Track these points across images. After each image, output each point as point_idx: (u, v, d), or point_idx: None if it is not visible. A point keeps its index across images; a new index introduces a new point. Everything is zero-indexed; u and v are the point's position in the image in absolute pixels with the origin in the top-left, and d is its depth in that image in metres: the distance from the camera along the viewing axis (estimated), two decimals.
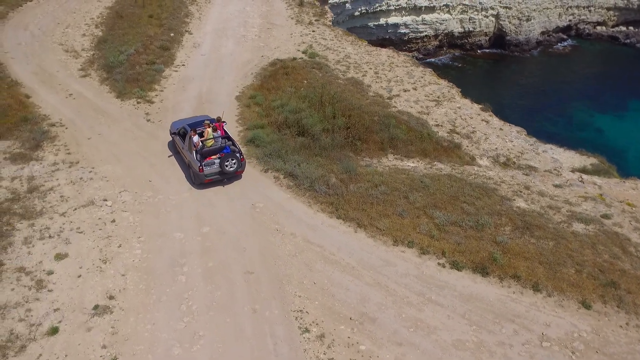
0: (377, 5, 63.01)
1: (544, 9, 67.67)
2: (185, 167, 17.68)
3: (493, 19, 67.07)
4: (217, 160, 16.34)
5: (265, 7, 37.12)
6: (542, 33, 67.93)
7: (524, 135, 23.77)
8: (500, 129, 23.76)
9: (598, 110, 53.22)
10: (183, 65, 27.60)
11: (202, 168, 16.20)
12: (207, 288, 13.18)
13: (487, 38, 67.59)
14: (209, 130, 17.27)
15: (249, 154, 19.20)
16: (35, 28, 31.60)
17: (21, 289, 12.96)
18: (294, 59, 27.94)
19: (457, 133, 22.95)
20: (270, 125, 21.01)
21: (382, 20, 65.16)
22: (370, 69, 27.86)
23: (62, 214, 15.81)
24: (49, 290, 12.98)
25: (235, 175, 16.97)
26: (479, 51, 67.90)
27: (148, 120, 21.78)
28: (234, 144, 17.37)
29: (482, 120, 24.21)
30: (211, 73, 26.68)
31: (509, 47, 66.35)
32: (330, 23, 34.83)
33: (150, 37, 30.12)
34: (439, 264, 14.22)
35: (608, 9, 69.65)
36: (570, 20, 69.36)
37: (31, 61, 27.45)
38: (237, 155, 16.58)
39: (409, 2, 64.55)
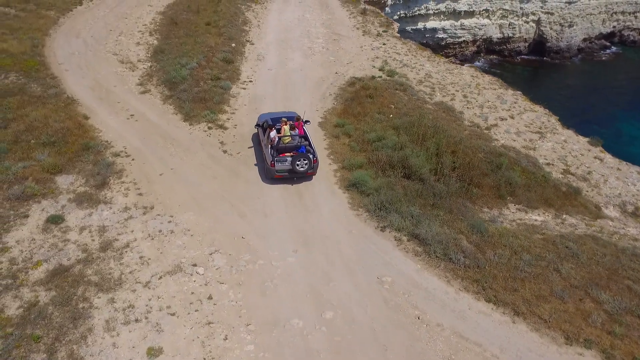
0: (415, 9, 59.52)
1: (587, 14, 63.67)
2: (262, 161, 16.92)
3: (534, 24, 63.35)
4: (290, 158, 15.58)
5: (325, 14, 33.28)
6: (584, 40, 64.03)
7: None
8: (618, 168, 19.92)
9: None
10: (250, 81, 23.93)
11: (274, 163, 15.55)
12: None
13: (527, 44, 63.94)
14: (286, 127, 16.42)
15: (354, 203, 15.55)
16: (88, 35, 28.04)
17: None
18: (373, 77, 24.16)
19: (572, 174, 19.14)
20: (371, 164, 17.30)
21: (421, 25, 61.58)
22: (457, 91, 24.03)
23: (146, 284, 12.28)
24: None
25: (306, 176, 16.10)
26: (517, 58, 64.14)
27: (225, 152, 18.16)
28: (310, 145, 16.41)
29: (595, 157, 20.37)
30: (283, 91, 22.99)
31: (549, 54, 62.60)
32: (399, 35, 30.94)
33: (211, 48, 26.44)
34: None
35: None
36: (614, 27, 65.44)
37: (86, 74, 23.91)
38: (311, 156, 15.70)
39: (449, 6, 61.39)
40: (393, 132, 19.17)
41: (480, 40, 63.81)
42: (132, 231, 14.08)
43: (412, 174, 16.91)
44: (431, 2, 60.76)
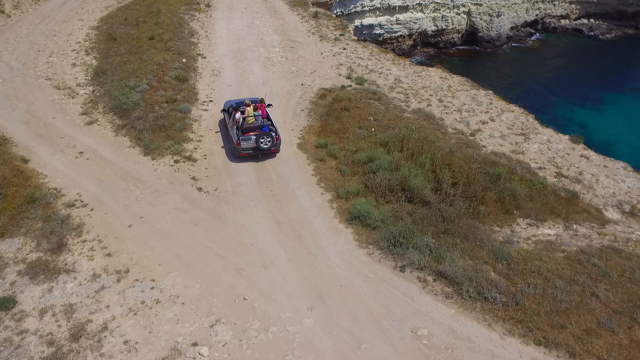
0: (352, 6, 58.88)
1: (512, 4, 65.99)
2: (229, 142, 17.65)
3: (465, 16, 64.89)
4: (254, 137, 16.46)
5: (275, 20, 30.88)
6: (512, 28, 66.43)
7: (631, 171, 19.30)
8: (605, 165, 19.16)
9: (577, 104, 51.17)
10: (210, 100, 21.25)
11: (240, 142, 16.41)
12: None
13: (460, 35, 65.38)
14: (250, 109, 17.12)
15: (362, 239, 13.56)
16: (12, 58, 24.18)
17: None
18: (343, 87, 22.17)
19: (565, 176, 18.14)
20: (369, 190, 15.34)
21: (357, 22, 60.86)
22: (431, 95, 22.54)
23: None
24: None
25: (270, 153, 17.03)
26: (452, 49, 65.30)
27: (200, 190, 15.57)
28: (272, 125, 17.31)
29: (581, 156, 19.52)
30: None
31: (481, 44, 64.42)
32: (356, 37, 29.13)
33: (159, 66, 23.42)
34: None
35: (570, 2, 69.04)
36: (536, 15, 68.20)
37: (17, 105, 20.34)
38: (273, 134, 16.60)
39: (383, 2, 61.58)
40: (382, 149, 17.32)
41: (416, 34, 64.57)
42: (108, 306, 11.37)
43: (414, 197, 15.14)
44: None
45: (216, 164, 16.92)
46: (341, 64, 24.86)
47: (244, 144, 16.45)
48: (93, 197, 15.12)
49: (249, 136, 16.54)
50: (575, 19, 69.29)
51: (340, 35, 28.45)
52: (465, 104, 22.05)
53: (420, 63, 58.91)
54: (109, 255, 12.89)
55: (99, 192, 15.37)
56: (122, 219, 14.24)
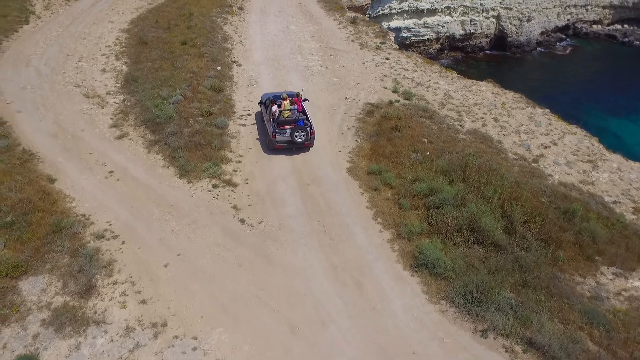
0: (379, 9, 56.76)
1: (543, 8, 63.45)
2: (265, 135, 17.36)
3: (494, 20, 62.49)
4: (289, 130, 16.26)
5: (312, 25, 28.86)
6: (542, 33, 63.86)
7: None
8: None
9: (612, 113, 48.46)
10: (248, 114, 19.37)
11: (275, 135, 16.27)
12: None
13: (488, 40, 62.91)
14: (286, 103, 16.97)
15: (431, 292, 11.57)
16: (41, 63, 22.56)
17: None
18: (391, 102, 20.12)
19: None
20: (432, 229, 13.34)
21: (385, 25, 58.65)
22: (485, 114, 20.38)
23: None
24: None
25: (304, 147, 16.78)
26: (480, 54, 62.79)
27: (243, 222, 13.69)
28: (308, 119, 17.01)
29: None
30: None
31: (510, 49, 61.93)
32: (398, 46, 27.01)
33: (193, 74, 21.60)
34: None
35: (604, 7, 66.08)
36: (568, 20, 65.47)
37: (45, 115, 18.70)
38: (308, 129, 16.39)
39: (411, 5, 59.43)
40: (443, 179, 15.25)
41: (444, 37, 62.44)
42: None
43: (484, 239, 13.09)
44: (394, 1, 58.40)
45: (259, 190, 15.02)
46: (385, 76, 22.77)
47: (278, 137, 16.27)
48: (124, 227, 13.34)
49: (284, 129, 16.32)
50: (608, 25, 66.47)
51: (381, 43, 26.34)
52: (523, 124, 19.85)
53: (447, 67, 56.72)
54: (143, 302, 11.08)
55: (131, 220, 13.58)
56: (157, 255, 12.43)
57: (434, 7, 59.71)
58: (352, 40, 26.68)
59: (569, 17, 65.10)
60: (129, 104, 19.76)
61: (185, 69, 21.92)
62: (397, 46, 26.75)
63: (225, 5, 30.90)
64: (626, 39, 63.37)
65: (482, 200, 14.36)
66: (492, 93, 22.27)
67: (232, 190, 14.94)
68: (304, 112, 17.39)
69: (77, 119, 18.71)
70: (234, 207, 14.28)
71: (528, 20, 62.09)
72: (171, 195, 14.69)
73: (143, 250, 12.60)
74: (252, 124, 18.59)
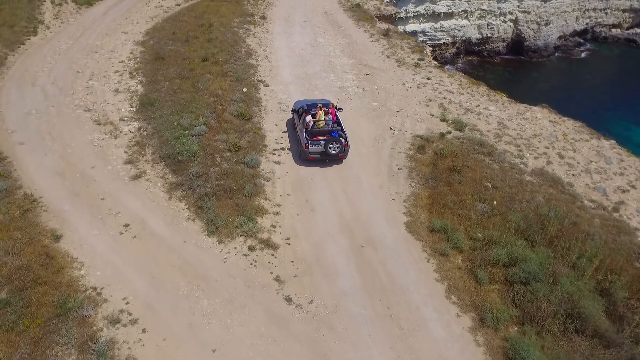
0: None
1: (562, 12, 61.02)
2: (297, 143, 16.31)
3: (511, 24, 60.06)
4: (323, 141, 15.25)
5: (341, 37, 25.83)
6: (560, 37, 61.42)
7: None
8: None
9: (635, 122, 45.64)
10: (282, 148, 16.49)
11: (308, 145, 15.25)
12: None
13: (505, 44, 60.55)
14: (321, 113, 16.04)
15: None
16: (48, 81, 19.72)
17: None
18: (442, 135, 17.21)
19: None
20: (521, 314, 10.50)
21: (401, 28, 55.79)
22: (547, 148, 17.44)
23: None
24: None
25: (337, 159, 15.65)
26: (496, 58, 60.21)
27: (290, 302, 10.87)
28: (342, 130, 15.92)
29: None
30: (330, 165, 15.69)
31: (527, 53, 59.53)
32: (436, 62, 23.98)
33: (217, 98, 18.69)
34: None
35: (624, 10, 63.59)
36: (587, 24, 63.08)
37: (50, 147, 15.89)
38: (342, 140, 15.32)
39: (428, 8, 57.04)
40: (521, 241, 12.34)
41: (460, 41, 60.10)
42: None
43: (586, 327, 10.23)
44: (410, 4, 56.01)
45: (304, 254, 12.17)
46: (430, 100, 19.80)
47: (312, 148, 15.31)
48: (145, 307, 10.54)
49: (318, 140, 15.35)
50: (628, 28, 64.11)
51: (419, 59, 23.32)
52: (592, 162, 16.91)
53: (463, 71, 53.69)
54: None
55: (153, 297, 10.77)
56: (187, 351, 9.61)
57: (450, 11, 57.76)
58: (388, 56, 23.67)
59: (587, 21, 62.75)
60: (145, 133, 16.90)
61: (207, 91, 19.00)
62: (436, 63, 23.70)
63: (247, 14, 27.89)
64: None
65: (574, 273, 11.47)
66: (550, 121, 19.29)
67: (272, 255, 12.09)
68: (338, 123, 16.19)
69: (87, 153, 15.87)
70: (277, 278, 11.43)
71: (546, 24, 59.69)
72: (199, 261, 11.86)
73: (169, 342, 9.80)
74: (287, 162, 15.70)
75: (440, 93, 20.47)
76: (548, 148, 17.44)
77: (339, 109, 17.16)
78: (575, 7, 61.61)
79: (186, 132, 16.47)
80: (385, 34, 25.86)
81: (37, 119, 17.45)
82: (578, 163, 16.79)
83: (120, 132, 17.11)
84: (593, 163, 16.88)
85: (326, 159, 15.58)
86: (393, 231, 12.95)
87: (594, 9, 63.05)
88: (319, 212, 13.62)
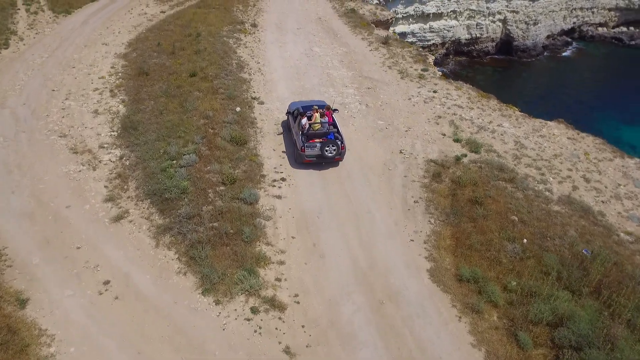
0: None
1: (550, 12, 60.32)
2: (292, 146, 15.49)
3: (500, 24, 59.03)
4: (319, 144, 14.58)
5: (338, 46, 23.75)
6: (548, 37, 60.90)
7: None
8: None
9: (624, 121, 44.67)
10: (282, 179, 14.44)
11: (304, 149, 14.56)
12: None
13: (494, 44, 59.57)
14: (317, 115, 15.19)
15: None
16: (19, 102, 17.46)
17: None
18: (457, 159, 15.29)
19: None
20: None
21: (390, 30, 54.09)
22: (570, 170, 15.63)
23: None
24: None
25: (334, 162, 14.89)
26: (486, 58, 59.08)
27: None
28: (338, 132, 15.15)
29: None
30: (343, 200, 13.65)
31: (516, 53, 58.73)
32: (440, 72, 22.04)
33: (208, 120, 16.56)
34: None
35: (610, 9, 62.85)
36: (574, 23, 62.44)
37: (19, 183, 13.67)
38: (339, 142, 14.64)
39: (417, 9, 55.78)
40: (564, 292, 10.50)
41: (449, 42, 59.18)
42: None
43: None
44: (400, 5, 54.61)
45: (316, 314, 10.17)
46: (439, 117, 17.87)
47: (308, 151, 14.68)
48: None
49: (314, 143, 14.72)
50: (614, 27, 63.40)
51: (422, 70, 21.36)
52: (620, 185, 15.16)
53: (453, 72, 52.08)
54: None
55: None
56: None
57: (439, 11, 56.65)
58: (389, 67, 21.66)
59: (575, 20, 62.00)
60: (127, 163, 14.71)
61: (197, 112, 16.85)
62: (441, 73, 21.76)
63: (236, 21, 25.63)
64: (633, 42, 60.66)
65: (631, 333, 9.64)
66: (569, 138, 17.50)
67: (280, 318, 10.06)
68: (334, 125, 15.54)
69: (62, 188, 13.65)
70: (287, 349, 9.43)
71: (535, 24, 58.83)
72: (194, 328, 9.79)
73: None
74: (288, 195, 13.65)
75: (449, 108, 18.54)
76: (571, 170, 15.62)
77: (335, 110, 16.39)
78: (563, 6, 60.94)
79: (174, 162, 14.34)
80: (385, 42, 23.83)
81: (4, 148, 15.15)
82: (606, 187, 15.00)
83: (100, 161, 14.89)
84: (621, 187, 15.11)
85: (322, 162, 14.93)
86: (416, 282, 11.00)
87: (581, 8, 62.41)
88: (329, 258, 11.60)
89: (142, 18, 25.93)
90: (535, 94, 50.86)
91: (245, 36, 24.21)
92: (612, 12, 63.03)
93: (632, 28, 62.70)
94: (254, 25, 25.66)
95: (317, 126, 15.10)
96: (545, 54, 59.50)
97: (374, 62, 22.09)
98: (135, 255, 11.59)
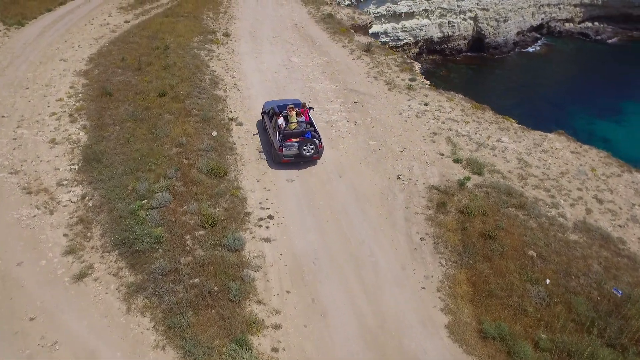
0: None
1: (518, 8, 60.73)
2: (269, 146, 14.99)
3: (471, 21, 58.80)
4: (297, 144, 14.14)
5: (318, 56, 21.88)
6: (518, 33, 61.33)
7: None
8: None
9: (595, 115, 44.75)
10: (269, 216, 12.51)
11: (282, 148, 14.12)
12: None
13: (466, 42, 59.41)
14: (293, 114, 14.69)
15: None
16: None
17: None
18: (461, 184, 13.68)
19: None
20: None
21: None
22: (580, 189, 14.28)
23: None
24: None
25: (311, 160, 14.52)
26: (458, 56, 58.82)
27: None
28: (315, 131, 14.70)
29: None
30: (334, 238, 11.86)
31: (488, 50, 58.72)
32: (429, 83, 20.44)
33: (181, 148, 14.46)
34: None
35: (575, 5, 63.43)
36: (542, 19, 63.13)
37: None
38: (316, 141, 14.19)
39: (389, 9, 54.83)
40: (607, 350, 8.99)
41: (422, 41, 58.62)
42: None
43: None
44: (372, 5, 53.41)
45: None
46: (434, 133, 16.27)
47: (286, 151, 14.24)
48: None
49: (292, 142, 14.27)
50: (580, 22, 64.12)
51: (410, 80, 19.74)
52: (634, 205, 13.87)
53: (427, 71, 51.01)
54: None
55: None
56: None
57: (411, 10, 55.90)
58: (375, 78, 19.92)
59: (542, 16, 62.45)
60: (91, 204, 12.55)
61: (168, 139, 14.76)
62: (429, 82, 20.16)
63: (207, 31, 23.42)
64: (598, 37, 61.51)
65: None
66: (571, 152, 16.16)
67: None
68: (311, 123, 15.07)
69: (12, 240, 11.41)
70: None
71: (505, 21, 58.85)
72: None
73: None
74: (278, 236, 11.77)
75: (443, 123, 16.95)
76: (581, 190, 14.25)
77: (311, 108, 15.82)
78: (531, 3, 61.41)
79: (144, 202, 12.26)
80: (367, 49, 22.09)
81: None
82: (620, 208, 13.68)
83: (59, 203, 12.66)
84: (636, 207, 13.83)
85: (301, 162, 14.58)
86: (434, 342, 9.32)
87: (548, 4, 63.00)
88: (332, 318, 9.81)
89: (105, 29, 23.41)
90: (510, 91, 50.58)
91: (217, 47, 22.04)
92: (578, 8, 63.65)
93: (596, 23, 63.48)
94: (227, 35, 23.49)
95: (294, 125, 14.62)
96: (516, 50, 59.86)
97: (358, 73, 20.32)
98: (102, 326, 9.53)
